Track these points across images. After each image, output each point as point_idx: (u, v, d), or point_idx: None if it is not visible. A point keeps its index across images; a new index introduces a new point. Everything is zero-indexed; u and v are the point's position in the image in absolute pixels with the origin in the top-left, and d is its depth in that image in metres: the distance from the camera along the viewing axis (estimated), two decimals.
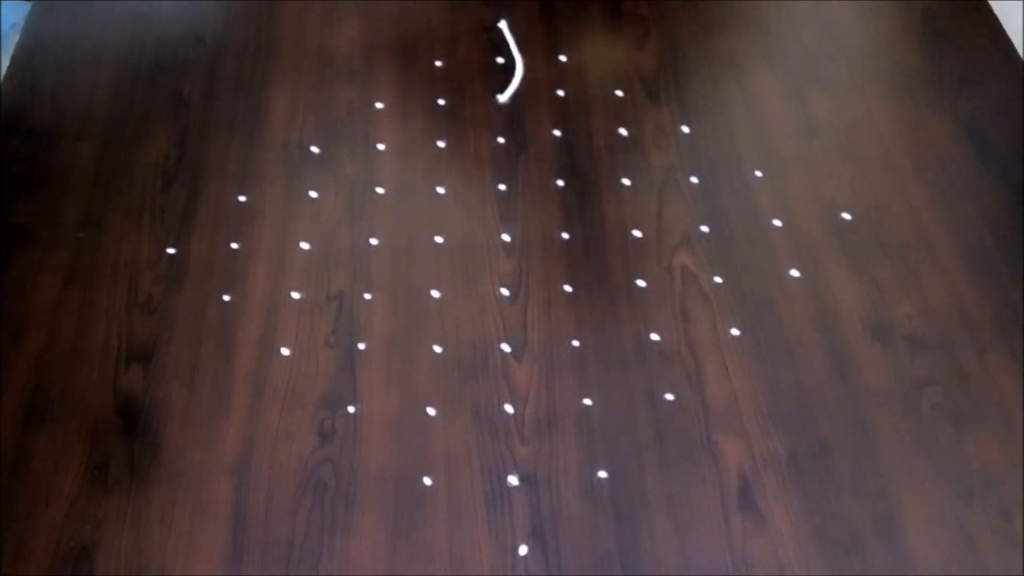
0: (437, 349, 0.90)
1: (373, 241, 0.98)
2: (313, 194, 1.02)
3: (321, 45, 1.16)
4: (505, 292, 0.94)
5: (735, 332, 0.91)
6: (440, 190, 1.02)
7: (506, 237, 0.99)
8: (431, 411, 0.86)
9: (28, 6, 1.21)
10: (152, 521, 0.80)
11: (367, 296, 0.94)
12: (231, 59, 1.14)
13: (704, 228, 0.99)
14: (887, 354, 0.90)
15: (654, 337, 0.91)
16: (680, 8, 1.20)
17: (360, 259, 0.97)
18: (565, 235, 0.99)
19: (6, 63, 1.14)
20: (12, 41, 1.16)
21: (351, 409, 0.86)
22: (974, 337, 0.91)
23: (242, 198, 1.01)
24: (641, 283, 0.95)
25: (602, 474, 0.83)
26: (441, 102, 1.10)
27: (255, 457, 0.83)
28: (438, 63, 1.14)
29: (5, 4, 1.18)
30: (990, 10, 1.19)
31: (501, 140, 1.07)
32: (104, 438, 0.84)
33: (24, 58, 1.14)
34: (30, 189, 1.02)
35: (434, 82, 1.12)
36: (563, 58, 1.15)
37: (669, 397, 0.87)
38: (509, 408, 0.87)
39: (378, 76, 1.13)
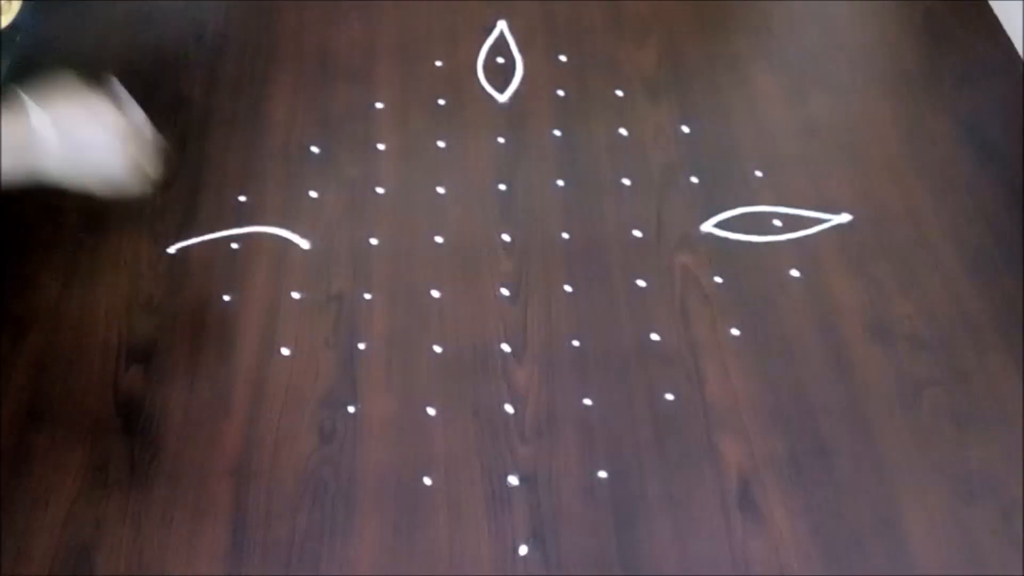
0: (437, 349, 0.90)
1: (373, 241, 0.98)
2: (313, 194, 1.02)
3: (321, 45, 1.16)
4: (505, 292, 0.94)
5: (735, 332, 0.91)
6: (440, 190, 1.02)
7: (506, 237, 0.99)
8: (431, 411, 0.86)
9: (28, 6, 1.21)
10: (152, 521, 0.80)
11: (367, 296, 0.94)
12: (231, 59, 1.14)
13: (704, 228, 0.99)
14: (887, 354, 0.90)
15: (654, 337, 0.91)
16: (680, 8, 1.20)
17: (360, 259, 0.97)
18: (565, 235, 0.99)
19: (6, 63, 1.13)
20: (12, 41, 1.15)
21: (351, 409, 0.86)
22: (974, 337, 0.91)
23: (242, 198, 1.01)
24: (641, 283, 0.95)
25: (602, 474, 0.83)
26: (441, 102, 1.10)
27: (255, 457, 0.83)
28: (438, 62, 1.14)
29: (5, 4, 1.18)
30: (990, 10, 1.19)
31: (501, 139, 1.07)
32: (104, 438, 0.84)
33: (24, 58, 1.14)
34: (30, 189, 1.02)
35: (434, 81, 1.12)
36: (563, 58, 1.15)
37: (669, 397, 0.87)
38: (509, 408, 0.87)
39: (378, 76, 1.13)
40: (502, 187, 1.03)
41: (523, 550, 0.79)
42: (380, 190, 1.02)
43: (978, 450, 0.84)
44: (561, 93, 1.11)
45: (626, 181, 1.03)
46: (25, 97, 0.78)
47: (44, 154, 0.78)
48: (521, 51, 1.15)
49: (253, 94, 1.10)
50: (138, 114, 0.86)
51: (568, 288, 0.95)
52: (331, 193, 1.02)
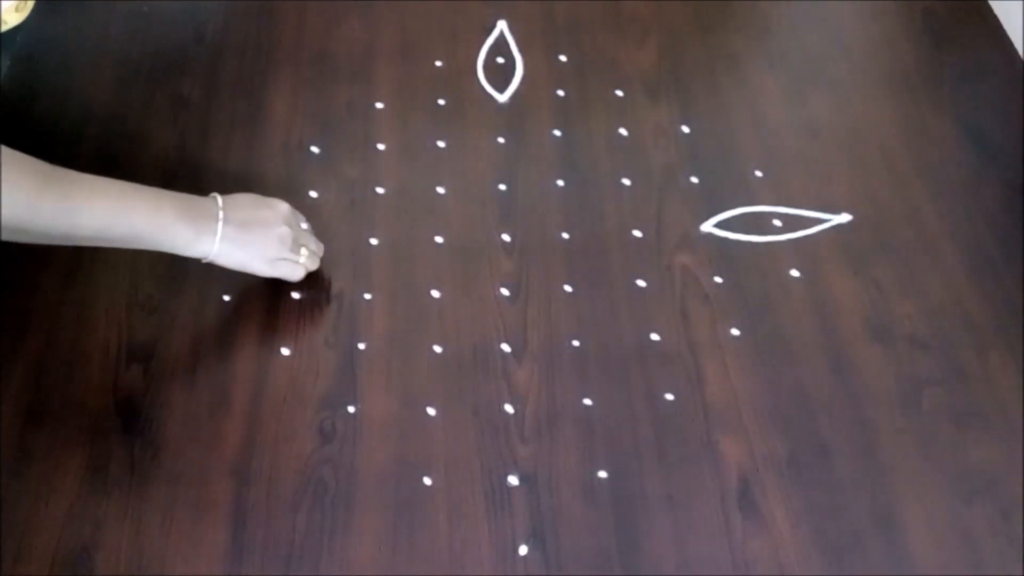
0: (437, 349, 0.90)
1: (373, 241, 0.98)
2: (313, 194, 1.02)
3: (321, 45, 1.16)
4: (505, 292, 0.94)
5: (735, 332, 0.91)
6: (440, 190, 1.02)
7: (506, 237, 0.99)
8: (431, 411, 0.86)
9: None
10: (152, 521, 0.80)
11: (367, 296, 0.94)
12: (231, 59, 1.14)
13: (704, 228, 0.99)
14: (887, 354, 0.90)
15: (654, 337, 0.91)
16: (680, 8, 1.20)
17: (360, 259, 0.97)
18: (565, 235, 0.99)
19: (6, 63, 1.13)
20: (12, 41, 1.15)
21: (351, 409, 0.86)
22: (974, 337, 0.91)
23: None
24: (641, 283, 0.95)
25: (602, 474, 0.83)
26: (441, 102, 1.10)
27: (255, 457, 0.83)
28: (437, 62, 1.14)
29: (5, 4, 1.18)
30: (990, 10, 1.19)
31: (501, 139, 1.07)
32: (104, 438, 0.84)
33: (24, 58, 1.14)
34: None
35: (434, 81, 1.12)
36: (563, 58, 1.15)
37: (669, 397, 0.87)
38: (509, 408, 0.87)
39: (378, 76, 1.13)
40: (502, 187, 1.03)
41: (523, 550, 0.79)
42: (380, 190, 1.02)
43: (978, 450, 0.84)
44: (561, 93, 1.11)
45: (626, 181, 1.03)
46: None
47: (210, 232, 0.84)
48: (521, 51, 1.15)
49: (253, 94, 1.10)
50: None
51: (568, 288, 0.95)
52: (331, 193, 1.02)
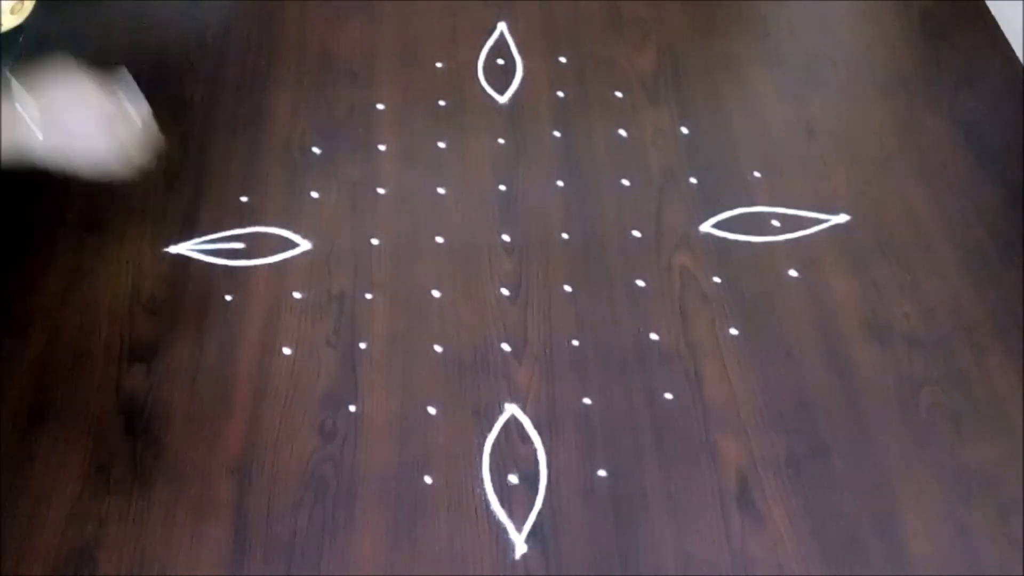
0: (437, 349, 0.91)
1: (374, 241, 0.98)
2: (315, 194, 1.02)
3: (323, 47, 1.16)
4: (505, 292, 0.95)
5: (734, 332, 0.92)
6: (440, 190, 1.03)
7: (506, 237, 0.99)
8: (431, 411, 0.87)
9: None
10: (154, 521, 0.80)
11: (368, 296, 0.94)
12: (233, 61, 1.14)
13: (703, 228, 0.99)
14: (886, 354, 0.90)
15: (654, 337, 0.91)
16: (680, 9, 1.21)
17: (361, 259, 0.97)
18: (565, 235, 0.99)
19: (6, 63, 1.13)
20: (13, 42, 1.16)
21: (352, 409, 0.87)
22: (972, 337, 0.91)
23: (244, 199, 1.01)
24: (641, 283, 0.95)
25: (602, 474, 0.83)
26: (441, 103, 1.11)
27: (257, 457, 0.84)
28: (438, 64, 1.14)
29: (4, 4, 1.18)
30: (989, 11, 1.20)
31: (501, 140, 1.07)
32: (106, 438, 0.85)
33: (26, 58, 1.14)
34: (33, 189, 1.02)
35: (434, 83, 1.12)
36: (563, 58, 1.15)
37: (669, 397, 0.87)
38: (509, 407, 0.87)
39: (379, 77, 1.13)
40: (502, 188, 1.03)
41: (523, 550, 0.79)
42: (381, 191, 1.03)
43: (976, 450, 0.84)
44: (561, 94, 1.11)
45: (625, 182, 1.03)
46: (12, 80, 0.79)
47: (29, 136, 0.79)
48: (521, 53, 1.16)
49: (255, 95, 1.11)
50: (139, 103, 0.87)
51: (568, 288, 0.95)
52: (332, 194, 1.02)
